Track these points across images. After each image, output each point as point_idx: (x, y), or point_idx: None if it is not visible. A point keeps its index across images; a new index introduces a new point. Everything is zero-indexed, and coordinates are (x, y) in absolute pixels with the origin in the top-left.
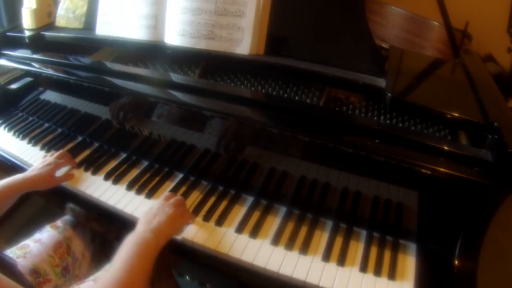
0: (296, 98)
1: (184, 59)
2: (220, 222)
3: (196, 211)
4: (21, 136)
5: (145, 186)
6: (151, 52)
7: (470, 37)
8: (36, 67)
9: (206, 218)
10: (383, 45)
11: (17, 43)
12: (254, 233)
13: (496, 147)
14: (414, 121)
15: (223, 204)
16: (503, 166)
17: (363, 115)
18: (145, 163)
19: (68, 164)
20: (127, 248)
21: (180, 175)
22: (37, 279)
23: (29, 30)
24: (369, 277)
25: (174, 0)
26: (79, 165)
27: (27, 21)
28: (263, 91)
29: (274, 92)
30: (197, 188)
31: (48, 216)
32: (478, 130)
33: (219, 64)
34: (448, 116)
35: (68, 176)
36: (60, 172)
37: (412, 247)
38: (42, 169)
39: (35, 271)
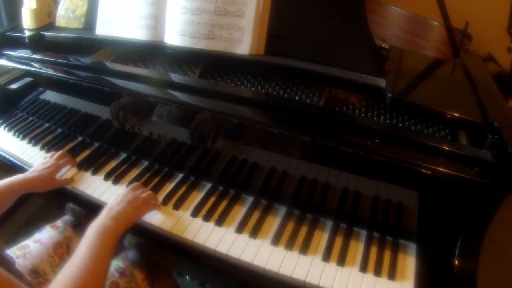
0: (296, 98)
1: (184, 59)
2: (220, 222)
3: (196, 211)
4: (21, 136)
5: (145, 186)
6: (151, 52)
7: (470, 37)
8: (36, 67)
9: (206, 218)
10: (383, 45)
11: (17, 43)
12: (254, 233)
13: (496, 147)
14: (414, 121)
15: (223, 204)
16: (503, 166)
17: (363, 115)
18: (145, 163)
19: (68, 165)
20: (90, 236)
21: (180, 175)
22: (37, 279)
23: (29, 30)
24: (369, 277)
25: (174, 0)
26: (79, 165)
27: (27, 21)
28: (263, 91)
29: (274, 92)
30: (197, 188)
31: (48, 216)
32: (478, 130)
33: (219, 64)
34: (448, 116)
35: (68, 180)
36: (61, 173)
37: (412, 247)
38: (43, 171)
39: (35, 271)
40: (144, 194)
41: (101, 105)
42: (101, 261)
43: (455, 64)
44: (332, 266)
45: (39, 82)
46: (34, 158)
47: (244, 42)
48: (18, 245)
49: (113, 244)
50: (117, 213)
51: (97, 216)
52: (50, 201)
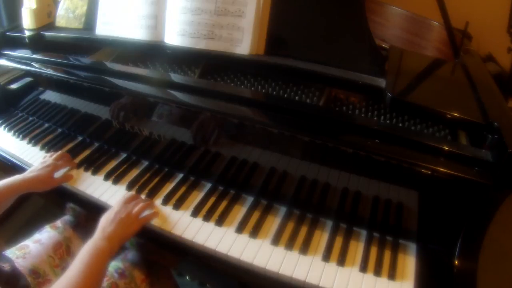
0: (296, 98)
1: (184, 59)
2: (220, 222)
3: (196, 211)
4: (21, 136)
5: (145, 186)
6: (151, 52)
7: (470, 37)
8: (36, 67)
9: (206, 218)
10: (383, 45)
11: (17, 43)
12: (254, 233)
13: (496, 147)
14: (414, 121)
15: (223, 204)
16: (503, 166)
17: (363, 115)
18: (145, 163)
19: (67, 165)
20: (83, 256)
21: (180, 175)
22: (37, 280)
23: (29, 30)
24: (369, 277)
25: (174, 0)
26: (79, 165)
27: (27, 21)
28: (263, 91)
29: (274, 92)
30: (197, 188)
31: (48, 216)
32: (478, 130)
33: (219, 64)
34: (448, 116)
35: (66, 177)
36: (59, 173)
37: (412, 247)
38: (41, 171)
39: (35, 272)
40: (136, 208)
41: (101, 105)
42: (93, 281)
43: (455, 64)
44: (332, 266)
45: (39, 82)
46: (34, 158)
47: (244, 42)
48: (18, 245)
49: (106, 264)
50: (110, 233)
51: (97, 216)
52: (50, 201)
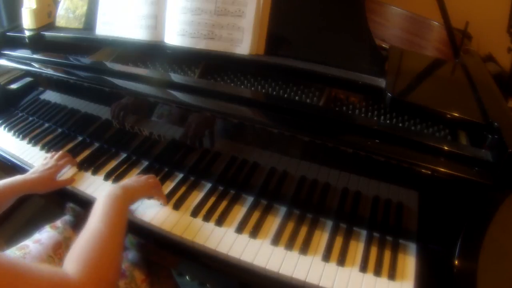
0: (296, 98)
1: (184, 59)
2: (220, 222)
3: (196, 211)
4: (21, 136)
5: None
6: (151, 52)
7: (470, 37)
8: (36, 67)
9: (206, 218)
10: (383, 45)
11: (17, 43)
12: (254, 233)
13: (496, 147)
14: (414, 121)
15: (223, 204)
16: (503, 166)
17: (363, 115)
18: (145, 163)
19: (69, 165)
20: (99, 205)
21: (180, 175)
22: None
23: (29, 30)
24: (369, 277)
25: (174, 0)
26: (79, 165)
27: (27, 21)
28: (263, 91)
29: (274, 92)
30: (197, 188)
31: (48, 216)
32: (478, 130)
33: (219, 64)
34: (448, 116)
35: (68, 180)
36: (61, 174)
37: (412, 247)
38: (43, 172)
39: None
40: (151, 180)
41: (101, 105)
42: (115, 226)
43: (455, 64)
44: (332, 266)
45: (39, 82)
46: (34, 158)
47: (244, 42)
48: (18, 245)
49: (124, 210)
50: (124, 184)
51: None
52: (50, 201)
